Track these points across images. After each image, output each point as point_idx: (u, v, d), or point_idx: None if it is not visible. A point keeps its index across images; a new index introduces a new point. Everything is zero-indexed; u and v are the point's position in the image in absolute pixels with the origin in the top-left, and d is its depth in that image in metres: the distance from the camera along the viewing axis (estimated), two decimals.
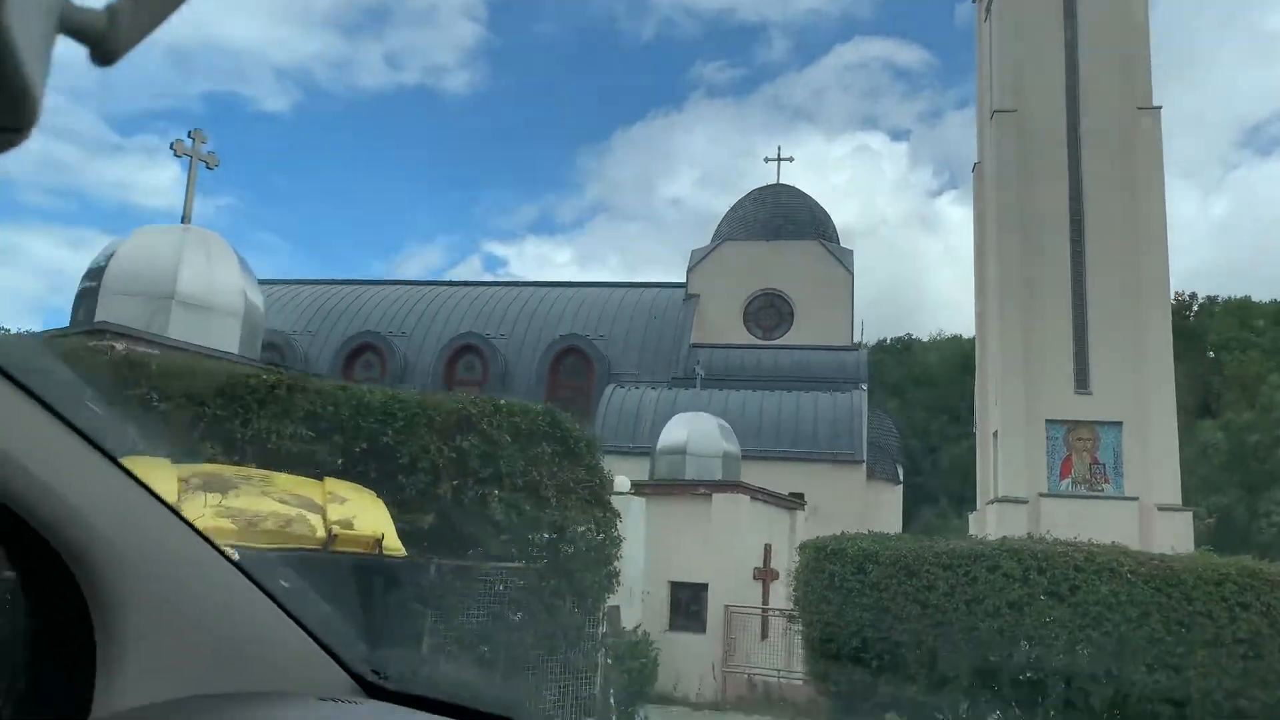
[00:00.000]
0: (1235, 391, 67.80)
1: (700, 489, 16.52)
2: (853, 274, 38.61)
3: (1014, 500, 26.17)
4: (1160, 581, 12.70)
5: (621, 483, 15.83)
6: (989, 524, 25.72)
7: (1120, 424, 26.19)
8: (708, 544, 16.33)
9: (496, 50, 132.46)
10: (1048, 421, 26.68)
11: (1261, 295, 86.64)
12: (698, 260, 39.85)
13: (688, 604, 16.47)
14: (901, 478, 38.51)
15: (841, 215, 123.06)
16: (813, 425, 32.34)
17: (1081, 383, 26.64)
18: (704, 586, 16.25)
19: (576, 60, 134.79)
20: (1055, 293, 27.05)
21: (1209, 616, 12.58)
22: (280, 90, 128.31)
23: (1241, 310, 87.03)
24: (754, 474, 32.26)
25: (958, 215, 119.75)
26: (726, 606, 15.82)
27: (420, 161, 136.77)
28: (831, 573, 13.93)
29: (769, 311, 39.30)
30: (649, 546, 16.52)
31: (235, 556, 1.65)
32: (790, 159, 42.83)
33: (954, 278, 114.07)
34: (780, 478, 31.75)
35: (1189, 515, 26.24)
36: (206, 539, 1.59)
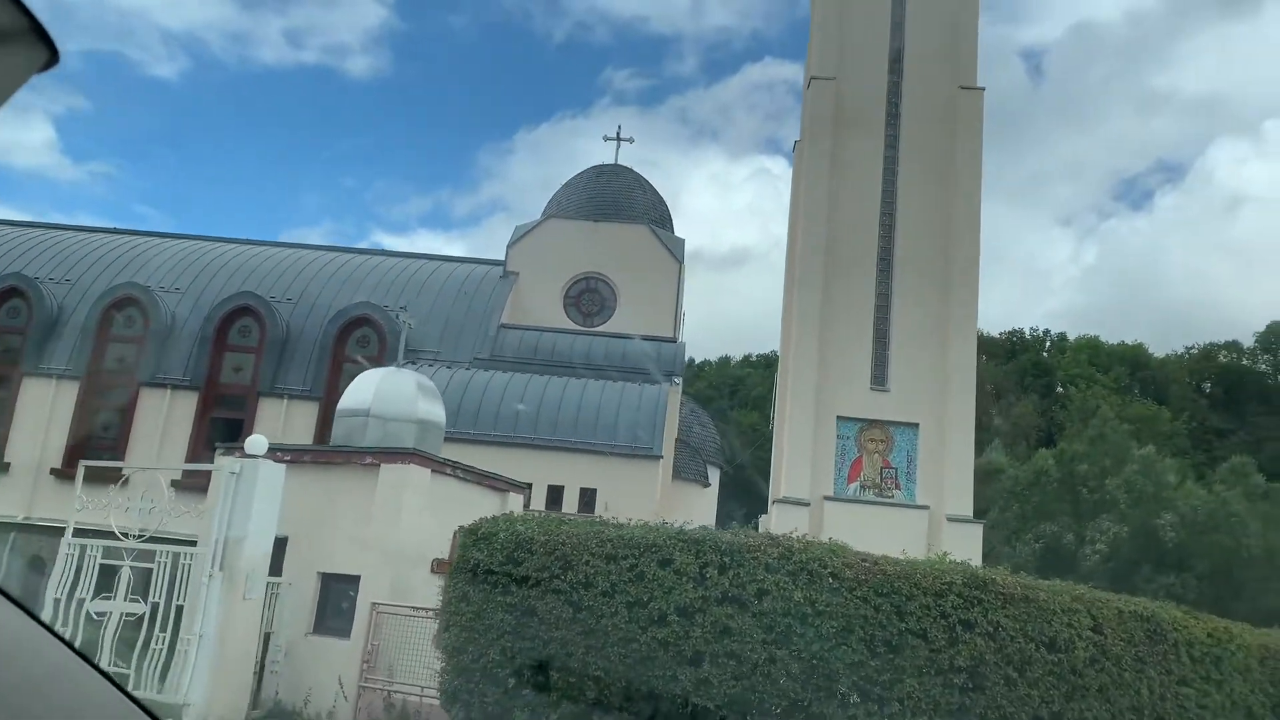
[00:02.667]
0: (1076, 424, 68.71)
1: (366, 459, 13.23)
2: (682, 263, 36.07)
3: (794, 502, 23.79)
4: (868, 589, 9.99)
5: (255, 443, 12.38)
6: (771, 530, 23.21)
7: (917, 426, 24.11)
8: (370, 527, 13.02)
9: (402, 37, 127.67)
10: (839, 418, 24.40)
11: (1113, 338, 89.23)
12: (519, 236, 36.68)
13: (338, 601, 13.12)
14: (718, 481, 36.08)
15: (739, 237, 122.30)
16: (614, 417, 29.49)
17: (879, 379, 24.47)
18: (356, 580, 12.95)
19: (485, 55, 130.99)
20: (859, 278, 24.87)
21: (923, 636, 9.92)
22: (169, 56, 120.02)
23: (1091, 349, 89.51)
24: (545, 464, 29.37)
25: None
26: (373, 605, 12.56)
27: (312, 143, 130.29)
28: (476, 563, 10.79)
29: (591, 296, 36.40)
30: (294, 527, 13.11)
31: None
32: (630, 139, 40.11)
33: None
34: (572, 471, 28.97)
35: (979, 528, 24.32)
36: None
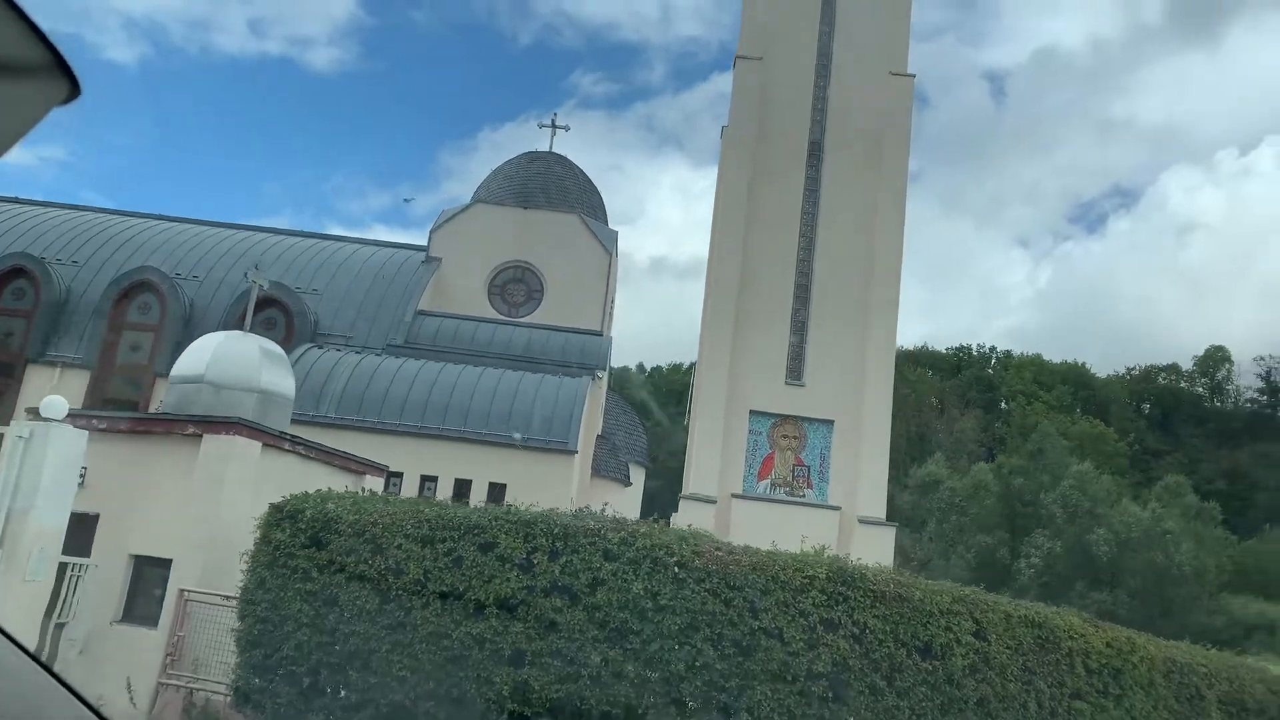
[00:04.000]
0: (1017, 439, 68.67)
1: (188, 428, 11.72)
2: (612, 255, 34.81)
3: (701, 499, 22.55)
4: (719, 581, 8.72)
5: (52, 405, 10.82)
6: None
7: (832, 423, 22.98)
8: (189, 504, 11.51)
9: (368, 31, 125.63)
10: (752, 413, 23.22)
11: (1061, 357, 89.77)
12: (444, 220, 35.17)
13: (151, 587, 11.58)
14: (642, 481, 34.80)
15: (701, 247, 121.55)
16: (529, 409, 28.04)
17: (794, 373, 23.33)
18: (168, 563, 11.42)
19: (451, 53, 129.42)
20: (780, 268, 23.73)
21: (779, 637, 8.67)
22: (128, 40, 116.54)
23: (1035, 367, 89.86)
24: (453, 456, 27.84)
25: None
26: (181, 593, 11.06)
27: (273, 134, 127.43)
28: (277, 545, 9.35)
29: (517, 285, 35.00)
30: (105, 503, 11.55)
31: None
32: (566, 128, 38.83)
33: None
34: (482, 464, 27.47)
35: (892, 531, 23.22)
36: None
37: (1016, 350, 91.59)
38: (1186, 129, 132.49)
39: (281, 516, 9.43)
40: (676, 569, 8.66)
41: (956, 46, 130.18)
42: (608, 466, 31.62)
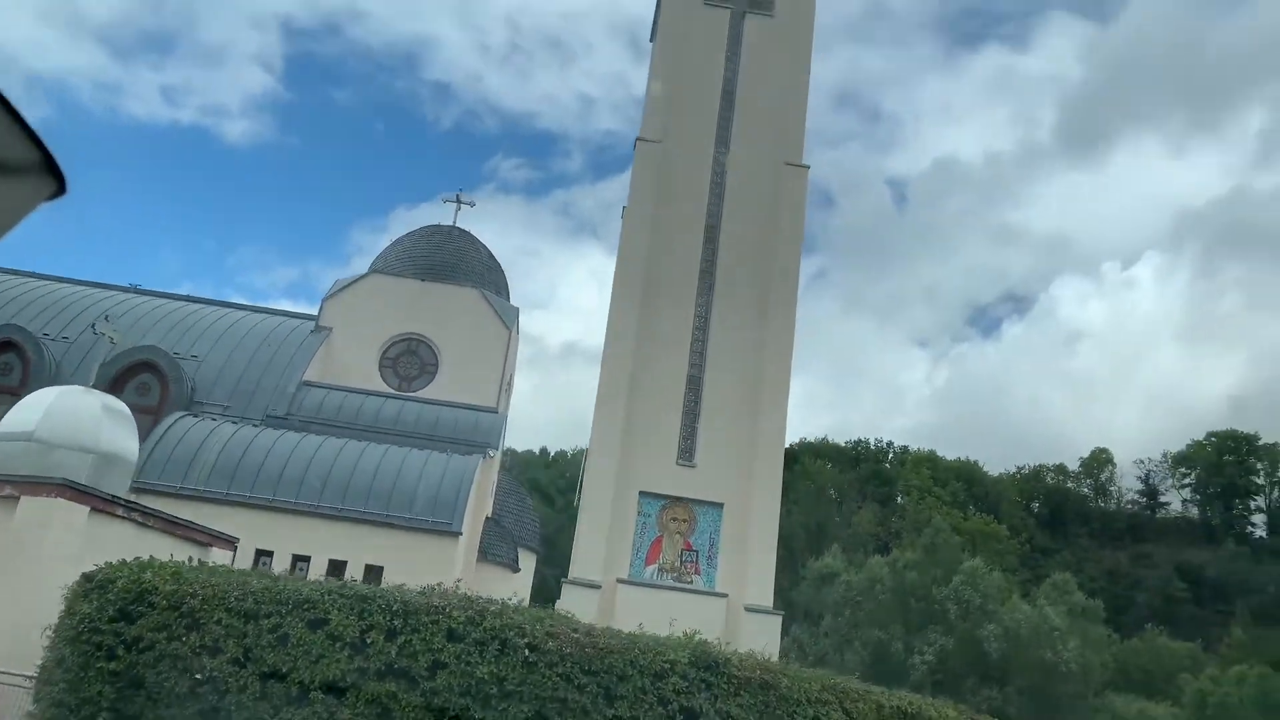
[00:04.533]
0: (911, 533, 69.55)
1: (5, 489, 10.57)
2: (511, 331, 34.27)
3: (585, 583, 21.74)
4: (573, 665, 8.05)
5: None
6: None
7: (721, 506, 22.59)
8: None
9: (285, 105, 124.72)
10: (641, 494, 22.69)
11: (953, 453, 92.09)
12: (337, 289, 34.20)
13: None
14: (533, 568, 33.62)
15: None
16: (413, 487, 26.90)
17: (686, 454, 22.98)
18: None
19: (370, 133, 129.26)
20: (673, 347, 23.54)
21: None
22: (31, 100, 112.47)
23: (929, 463, 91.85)
24: (329, 535, 26.36)
25: None
26: None
27: (178, 203, 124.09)
28: (83, 617, 8.31)
29: (411, 359, 34.05)
30: None
31: None
32: (471, 203, 38.51)
33: None
34: (359, 544, 26.07)
35: (778, 620, 22.77)
36: None
37: (913, 446, 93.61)
38: (1075, 240, 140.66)
39: (91, 587, 8.44)
40: (527, 651, 7.98)
41: (861, 153, 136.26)
42: (496, 550, 30.46)
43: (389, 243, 38.21)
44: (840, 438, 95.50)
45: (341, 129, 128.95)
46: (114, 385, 29.56)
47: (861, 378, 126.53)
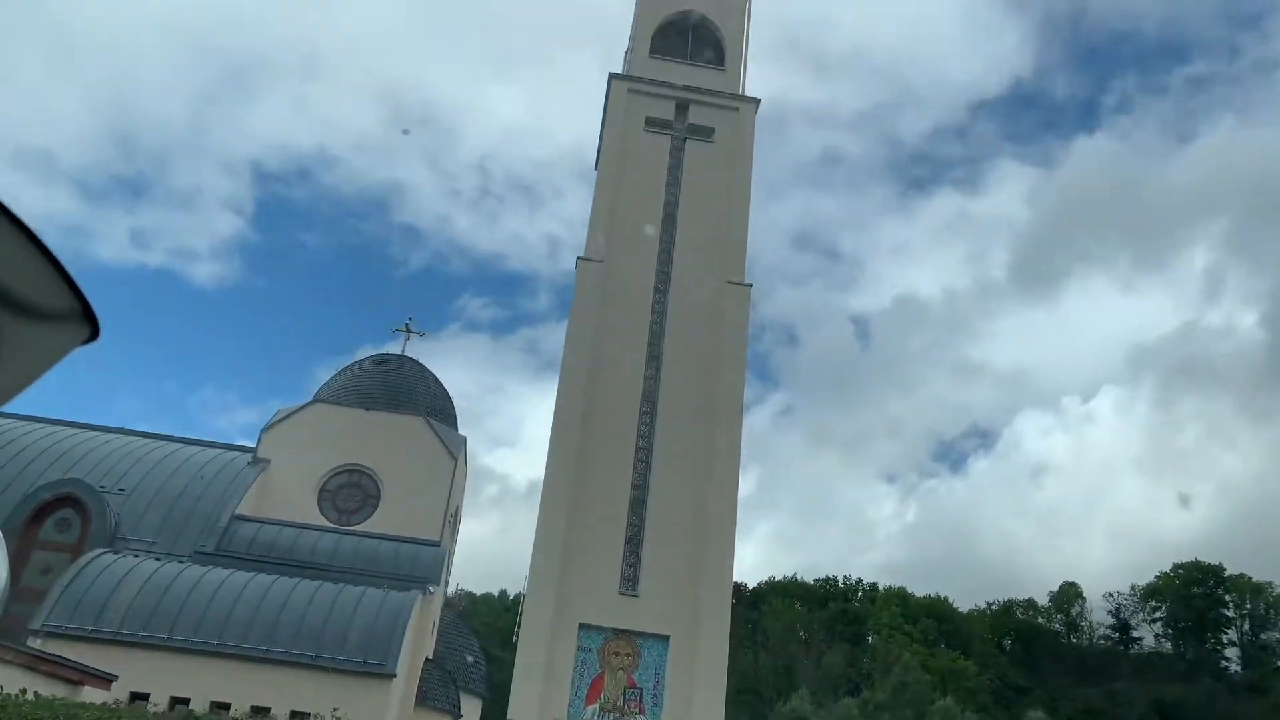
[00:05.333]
0: (881, 673, 67.29)
1: None
2: (458, 460, 33.26)
3: None
4: None
5: None
6: None
7: (667, 639, 21.17)
8: None
9: (254, 248, 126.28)
10: (582, 626, 21.26)
11: (922, 590, 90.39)
12: (277, 419, 33.18)
13: None
14: (478, 713, 31.42)
15: None
16: (346, 627, 25.27)
17: (629, 582, 21.71)
18: None
19: (338, 274, 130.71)
20: (616, 470, 22.66)
21: None
22: None
23: (900, 600, 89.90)
24: (252, 680, 24.47)
25: None
26: None
27: (142, 345, 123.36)
28: None
29: (352, 490, 32.79)
30: None
31: None
32: (421, 333, 38.11)
33: None
34: (284, 689, 24.22)
35: None
36: None
37: (883, 583, 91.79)
38: (1034, 375, 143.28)
39: None
40: None
41: (824, 291, 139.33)
42: (436, 695, 28.49)
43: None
44: (809, 575, 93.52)
45: (309, 270, 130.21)
46: (33, 520, 27.98)
47: (830, 515, 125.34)
